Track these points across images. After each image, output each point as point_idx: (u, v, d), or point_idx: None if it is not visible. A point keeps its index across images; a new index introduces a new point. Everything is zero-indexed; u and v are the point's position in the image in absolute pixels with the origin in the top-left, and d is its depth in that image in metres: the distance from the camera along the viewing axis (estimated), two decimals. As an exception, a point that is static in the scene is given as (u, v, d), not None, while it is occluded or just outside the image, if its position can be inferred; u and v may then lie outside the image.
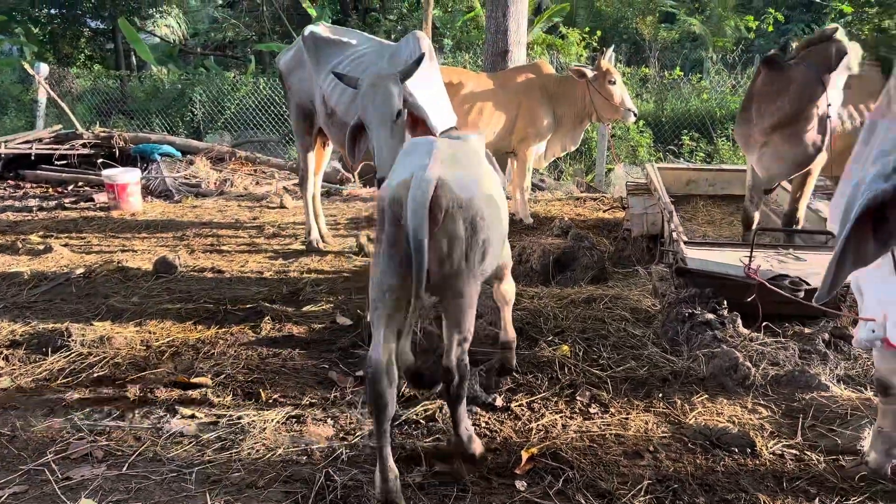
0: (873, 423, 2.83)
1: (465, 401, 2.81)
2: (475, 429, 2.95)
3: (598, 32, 17.51)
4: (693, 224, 5.88)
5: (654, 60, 18.12)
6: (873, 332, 2.27)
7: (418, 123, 3.73)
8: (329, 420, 3.13)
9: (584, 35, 17.27)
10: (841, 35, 4.02)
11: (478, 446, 2.81)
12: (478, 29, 14.86)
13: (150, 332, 4.08)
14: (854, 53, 4.18)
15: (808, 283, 3.52)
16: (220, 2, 19.39)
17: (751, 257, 3.59)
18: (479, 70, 8.35)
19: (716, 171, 6.53)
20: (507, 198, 3.96)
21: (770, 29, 17.66)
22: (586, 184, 8.82)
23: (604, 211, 6.88)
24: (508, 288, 3.42)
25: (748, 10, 20.55)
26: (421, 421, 3.12)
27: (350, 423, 3.10)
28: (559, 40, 17.89)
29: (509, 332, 3.56)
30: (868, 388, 3.34)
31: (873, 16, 14.78)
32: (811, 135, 4.00)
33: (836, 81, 3.97)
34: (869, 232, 1.76)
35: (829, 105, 3.89)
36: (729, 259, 3.84)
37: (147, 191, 8.01)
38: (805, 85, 3.96)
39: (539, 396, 3.34)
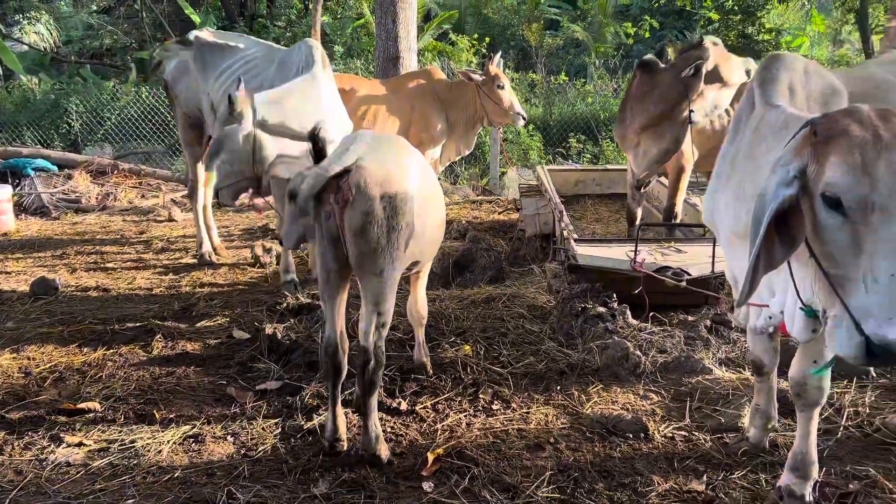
0: (752, 401, 3.04)
1: (377, 391, 2.84)
2: (382, 435, 2.95)
3: (487, 39, 17.91)
4: (583, 222, 6.12)
5: (540, 66, 18.69)
6: (770, 318, 2.45)
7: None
8: (229, 437, 3.04)
9: (474, 42, 17.61)
10: (709, 45, 4.30)
11: (384, 449, 2.82)
12: (369, 35, 14.84)
13: (29, 359, 3.82)
14: (735, 63, 4.47)
15: (688, 273, 3.74)
16: (95, 7, 18.38)
17: (636, 251, 3.78)
18: (370, 76, 8.34)
19: (601, 172, 6.83)
20: None
21: (647, 35, 18.61)
22: (481, 187, 8.99)
23: (499, 213, 7.04)
24: (422, 303, 3.48)
25: (626, 17, 21.58)
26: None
27: (252, 439, 3.02)
28: (449, 47, 18.16)
29: (423, 353, 3.61)
30: (746, 368, 3.58)
31: (737, 22, 15.90)
32: (672, 135, 4.28)
33: (703, 86, 4.24)
34: (774, 237, 1.89)
35: (692, 111, 4.16)
36: (616, 254, 4.03)
37: (20, 208, 7.48)
38: (670, 89, 4.22)
39: (443, 397, 3.38)
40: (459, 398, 3.38)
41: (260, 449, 2.94)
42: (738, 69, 4.30)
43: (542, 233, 5.37)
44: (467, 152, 6.71)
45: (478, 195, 8.64)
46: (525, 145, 10.52)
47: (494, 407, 3.31)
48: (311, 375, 3.53)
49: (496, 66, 6.41)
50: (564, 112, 13.27)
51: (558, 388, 3.48)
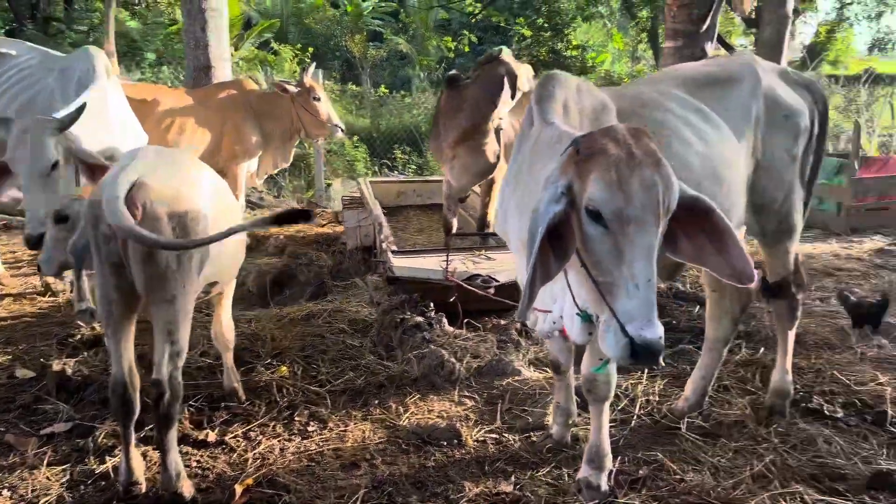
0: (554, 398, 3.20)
1: (175, 426, 2.65)
2: (186, 470, 2.76)
3: (311, 49, 17.69)
4: (405, 233, 6.19)
5: (366, 78, 18.78)
6: (553, 323, 2.57)
7: (96, 170, 3.36)
8: (6, 491, 2.71)
9: (297, 51, 17.31)
10: (506, 55, 4.51)
11: (187, 486, 2.64)
12: (183, 43, 14.06)
13: None
14: (523, 72, 4.73)
15: (497, 280, 3.89)
16: None
17: (447, 261, 3.87)
18: (179, 86, 7.90)
19: (422, 182, 6.96)
20: None
21: (466, 49, 19.28)
22: (307, 200, 8.82)
23: (323, 226, 6.93)
24: (228, 326, 3.31)
25: (447, 32, 22.27)
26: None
27: (33, 491, 2.71)
28: (272, 56, 17.70)
29: (233, 378, 3.43)
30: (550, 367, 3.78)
31: (547, 39, 16.93)
32: (489, 147, 4.44)
33: (507, 98, 4.45)
34: (549, 251, 1.99)
35: (501, 120, 4.35)
36: (431, 265, 4.10)
37: None
38: (477, 102, 4.39)
39: (256, 424, 3.24)
40: (273, 423, 3.26)
41: (43, 501, 2.64)
42: (526, 78, 4.54)
43: (363, 245, 5.36)
44: (285, 165, 6.56)
45: (303, 207, 8.44)
46: (350, 157, 10.47)
47: (310, 428, 3.23)
48: (105, 413, 3.24)
49: (311, 77, 6.32)
50: (392, 123, 13.40)
51: (377, 402, 3.47)
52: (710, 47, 4.60)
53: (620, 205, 1.79)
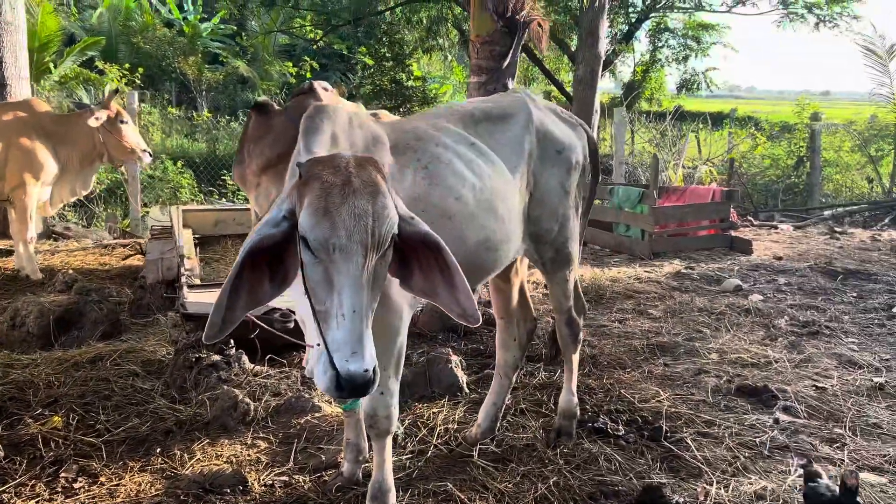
0: (347, 434, 3.12)
1: None
2: None
3: (141, 69, 16.74)
4: (221, 264, 5.91)
5: (201, 101, 18.06)
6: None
7: None
8: None
9: (125, 72, 16.31)
10: (319, 88, 4.45)
11: None
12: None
13: None
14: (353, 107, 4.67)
15: (294, 313, 3.76)
16: None
17: (243, 296, 3.69)
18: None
19: (242, 211, 6.70)
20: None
21: (309, 75, 19.11)
22: (120, 229, 8.23)
23: (125, 258, 6.46)
24: None
25: (290, 57, 21.98)
26: None
27: None
28: (96, 75, 16.56)
29: None
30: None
31: (390, 69, 17.14)
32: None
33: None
34: (263, 274, 1.91)
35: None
36: (227, 299, 3.90)
37: None
38: (284, 132, 4.29)
39: (12, 484, 2.89)
40: (33, 482, 2.92)
41: None
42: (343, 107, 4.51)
43: (165, 279, 5.03)
44: (85, 192, 6.09)
45: (115, 237, 7.87)
46: (175, 183, 9.95)
47: (77, 485, 2.92)
48: None
49: (123, 99, 5.94)
50: (230, 148, 12.92)
51: (159, 450, 3.21)
52: (511, 83, 4.81)
53: (326, 233, 1.75)
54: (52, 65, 15.83)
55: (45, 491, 2.87)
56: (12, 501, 2.79)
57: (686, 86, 17.98)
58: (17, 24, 7.22)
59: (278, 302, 3.92)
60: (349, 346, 1.72)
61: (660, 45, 17.32)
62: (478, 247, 2.65)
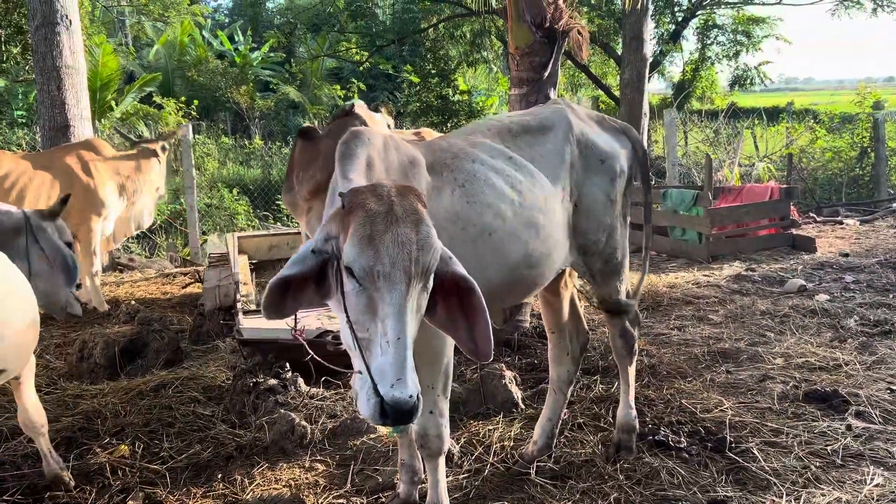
0: (403, 455, 3.12)
1: None
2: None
3: (196, 102, 17.33)
4: (276, 289, 6.01)
5: (254, 129, 18.54)
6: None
7: None
8: None
9: (182, 104, 16.91)
10: (360, 108, 4.51)
11: None
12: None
13: None
14: (381, 123, 4.73)
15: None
16: None
17: (296, 318, 3.74)
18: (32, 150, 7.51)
19: (295, 234, 6.82)
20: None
21: (356, 97, 19.41)
22: (181, 258, 8.49)
23: (185, 287, 6.65)
24: (35, 409, 3.04)
25: (337, 80, 22.38)
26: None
27: None
28: (154, 110, 17.21)
29: (54, 464, 3.15)
30: (409, 420, 3.70)
31: (435, 85, 17.28)
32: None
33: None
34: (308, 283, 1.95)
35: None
36: (280, 324, 3.96)
37: None
38: (330, 155, 4.33)
39: (82, 513, 2.99)
40: (102, 510, 3.01)
41: None
42: (382, 127, 4.55)
43: (222, 305, 5.15)
44: (147, 225, 6.31)
45: (176, 266, 8.12)
46: (231, 210, 10.23)
47: (143, 512, 3.00)
48: None
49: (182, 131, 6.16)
50: (282, 173, 13.20)
51: (220, 475, 3.27)
52: (553, 93, 4.76)
53: (371, 261, 1.76)
54: (113, 103, 16.54)
55: (113, 519, 2.96)
56: (83, 530, 2.88)
57: (739, 82, 17.54)
58: (77, 66, 7.56)
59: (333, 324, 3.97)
60: (393, 373, 1.71)
61: (709, 42, 16.96)
62: (519, 262, 2.63)
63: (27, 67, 15.11)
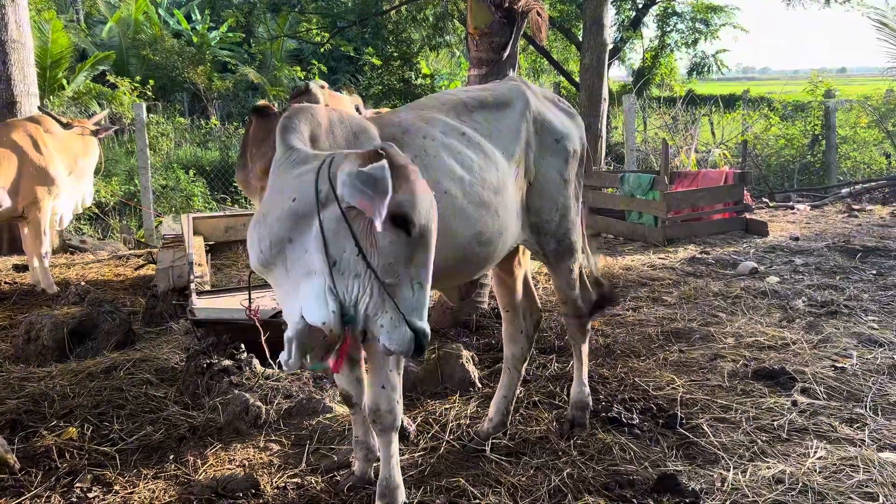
0: (358, 434, 3.11)
1: None
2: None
3: (152, 81, 16.88)
4: (233, 270, 5.93)
5: (212, 109, 18.16)
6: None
7: None
8: None
9: (137, 84, 16.45)
10: (316, 88, 4.43)
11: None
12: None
13: None
14: (346, 103, 4.65)
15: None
16: None
17: (249, 299, 3.70)
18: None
19: (252, 216, 6.71)
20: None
21: (317, 79, 19.13)
22: (135, 240, 8.30)
23: (137, 268, 6.51)
24: None
25: (298, 62, 22.05)
26: None
27: None
28: (108, 89, 16.72)
29: None
30: (366, 400, 3.69)
31: (397, 68, 17.15)
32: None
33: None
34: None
35: None
36: (234, 304, 3.92)
37: None
38: (284, 133, 4.28)
39: (28, 496, 2.91)
40: (49, 493, 2.93)
41: None
42: (348, 106, 4.49)
43: (176, 287, 5.05)
44: (90, 203, 6.18)
45: (130, 248, 7.94)
46: (187, 192, 10.02)
47: (91, 495, 2.93)
48: None
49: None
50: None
51: (172, 456, 3.22)
52: (513, 74, 4.76)
53: (425, 218, 2.03)
54: (64, 81, 16.04)
55: (60, 502, 2.89)
56: (28, 513, 2.81)
57: (697, 69, 17.79)
58: (24, 41, 7.30)
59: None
60: (425, 309, 2.03)
61: (668, 29, 17.15)
62: (470, 241, 2.63)
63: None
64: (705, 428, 3.32)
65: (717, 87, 20.80)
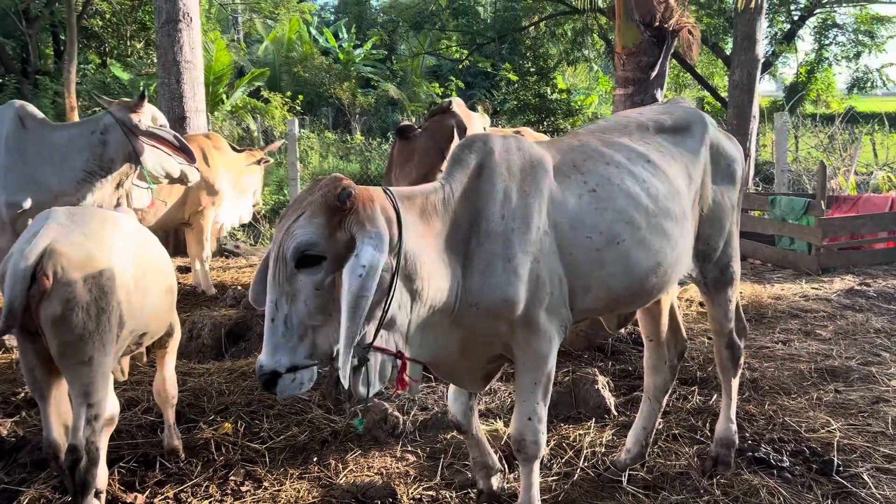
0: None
1: (92, 493, 2.58)
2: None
3: (301, 97, 17.94)
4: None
5: (355, 124, 19.00)
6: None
7: None
8: (-83, 562, 2.63)
9: (287, 99, 17.54)
10: (457, 106, 4.56)
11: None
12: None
13: None
14: (477, 122, 4.76)
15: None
16: None
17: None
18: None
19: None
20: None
21: (454, 94, 19.54)
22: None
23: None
24: (171, 381, 3.27)
25: (436, 78, 22.62)
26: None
27: (-55, 561, 2.64)
28: (261, 104, 17.94)
29: (174, 436, 3.37)
30: (499, 419, 3.71)
31: (534, 83, 17.16)
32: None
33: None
34: None
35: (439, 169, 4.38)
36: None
37: None
38: (426, 153, 4.42)
39: (189, 484, 3.16)
40: (207, 483, 3.18)
41: (-47, 572, 2.57)
42: (479, 126, 4.59)
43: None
44: (248, 218, 6.68)
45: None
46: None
47: (244, 489, 3.15)
48: (36, 476, 3.17)
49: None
50: (381, 168, 13.51)
51: (316, 458, 3.39)
52: (660, 94, 4.64)
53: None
54: (224, 96, 17.38)
55: (216, 492, 3.12)
56: (189, 500, 3.05)
57: (858, 85, 16.50)
58: (195, 61, 7.99)
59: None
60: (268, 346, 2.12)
61: (827, 42, 16.04)
62: (648, 272, 2.54)
63: (149, 61, 16.15)
64: (866, 478, 3.06)
65: (881, 104, 19.18)
